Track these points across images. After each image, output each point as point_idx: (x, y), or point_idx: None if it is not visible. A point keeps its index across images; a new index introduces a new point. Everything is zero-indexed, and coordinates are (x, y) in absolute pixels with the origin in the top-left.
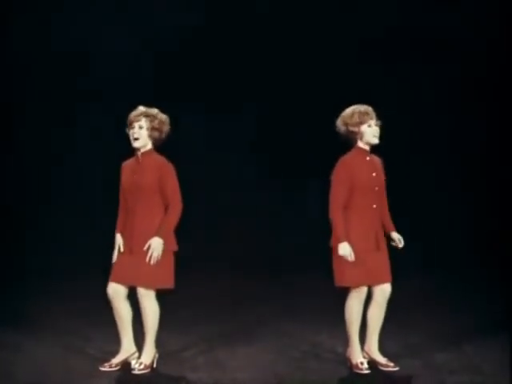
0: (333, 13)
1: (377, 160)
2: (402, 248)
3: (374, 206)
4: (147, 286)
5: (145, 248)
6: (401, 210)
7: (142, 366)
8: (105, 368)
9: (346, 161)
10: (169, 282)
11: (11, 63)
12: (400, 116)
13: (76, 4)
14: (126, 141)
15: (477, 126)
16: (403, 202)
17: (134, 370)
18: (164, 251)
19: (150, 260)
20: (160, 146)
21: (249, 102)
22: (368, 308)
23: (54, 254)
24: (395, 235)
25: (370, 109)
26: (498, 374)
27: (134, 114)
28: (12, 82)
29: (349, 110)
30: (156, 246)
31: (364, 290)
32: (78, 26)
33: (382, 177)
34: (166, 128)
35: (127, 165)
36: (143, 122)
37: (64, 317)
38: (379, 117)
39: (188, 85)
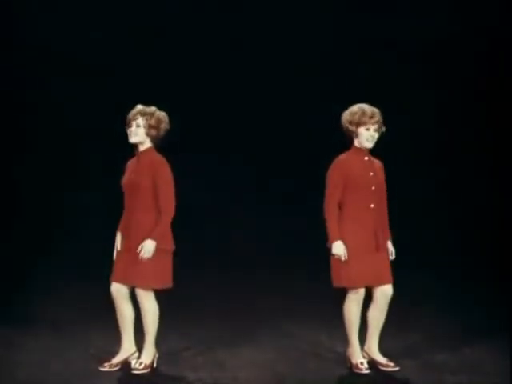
0: (333, 12)
1: (377, 162)
2: (402, 249)
3: (372, 205)
4: (144, 287)
5: (138, 250)
6: (401, 211)
7: (142, 366)
8: (105, 368)
9: (340, 159)
10: (167, 282)
11: (12, 59)
12: (399, 116)
13: None
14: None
15: (477, 128)
16: (403, 203)
17: (134, 369)
18: (161, 251)
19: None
20: (160, 145)
21: (249, 102)
22: (369, 309)
23: (54, 254)
24: (389, 246)
25: (375, 112)
26: (498, 374)
27: (132, 112)
28: (12, 80)
29: (355, 108)
30: (147, 248)
31: (362, 291)
32: (80, 23)
33: (381, 178)
34: (164, 125)
35: (129, 164)
36: (140, 121)
37: (64, 317)
38: (384, 122)
39: (187, 84)
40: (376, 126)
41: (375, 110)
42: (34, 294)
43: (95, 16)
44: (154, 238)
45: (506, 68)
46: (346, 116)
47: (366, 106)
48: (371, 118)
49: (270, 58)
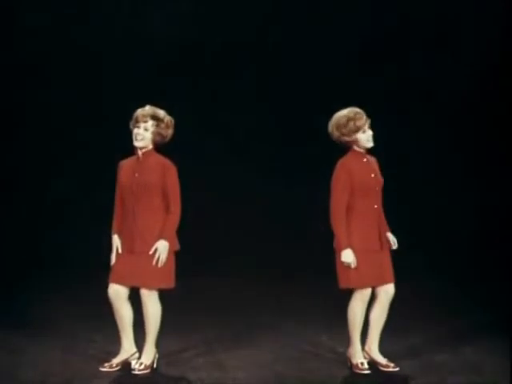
0: (333, 12)
1: (373, 160)
2: (403, 249)
3: (376, 206)
4: (149, 287)
5: (151, 252)
6: (401, 211)
7: (142, 367)
8: (105, 368)
9: (344, 164)
10: (170, 282)
11: (12, 62)
12: (398, 116)
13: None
14: (122, 140)
15: (478, 127)
16: (404, 204)
17: (134, 370)
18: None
19: (156, 263)
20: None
21: (248, 102)
22: (371, 308)
23: (54, 255)
24: (390, 237)
25: (361, 112)
26: (498, 375)
27: (141, 112)
28: (12, 81)
29: (342, 118)
30: (162, 249)
31: (368, 291)
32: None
33: (380, 177)
34: (170, 132)
35: (126, 164)
36: (149, 125)
37: (64, 317)
38: (368, 116)
39: (186, 84)
40: (368, 124)
41: (357, 109)
42: (34, 295)
43: (95, 16)
44: (166, 239)
45: (506, 68)
46: (339, 128)
47: (350, 111)
48: (362, 119)
49: (269, 59)
